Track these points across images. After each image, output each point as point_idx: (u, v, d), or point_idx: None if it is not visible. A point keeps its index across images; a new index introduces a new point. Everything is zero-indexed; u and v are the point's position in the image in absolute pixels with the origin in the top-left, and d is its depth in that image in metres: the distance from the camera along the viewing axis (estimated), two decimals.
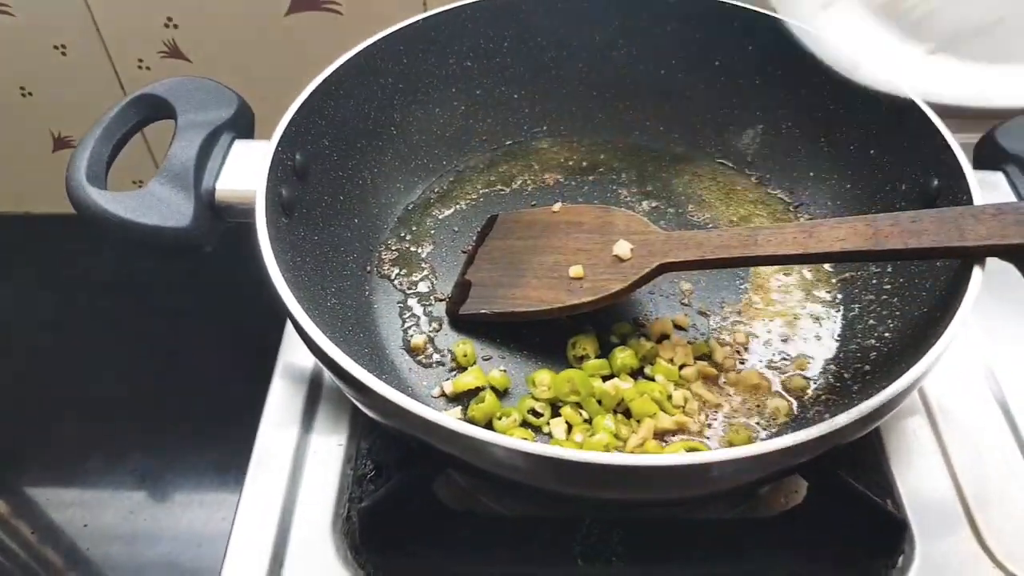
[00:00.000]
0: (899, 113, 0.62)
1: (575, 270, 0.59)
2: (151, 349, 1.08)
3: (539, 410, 0.57)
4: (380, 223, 0.71)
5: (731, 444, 0.56)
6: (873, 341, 0.59)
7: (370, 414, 0.50)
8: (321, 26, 0.90)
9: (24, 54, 0.96)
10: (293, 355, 0.65)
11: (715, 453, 0.41)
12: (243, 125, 0.61)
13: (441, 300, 0.66)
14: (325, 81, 0.62)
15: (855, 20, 0.58)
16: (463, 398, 0.59)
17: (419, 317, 0.65)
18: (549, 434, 0.56)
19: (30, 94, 1.01)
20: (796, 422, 0.57)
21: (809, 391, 0.59)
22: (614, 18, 0.74)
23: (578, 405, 0.57)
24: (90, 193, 0.54)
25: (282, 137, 0.58)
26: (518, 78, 0.76)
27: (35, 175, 1.11)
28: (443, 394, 0.59)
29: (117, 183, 0.56)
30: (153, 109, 0.60)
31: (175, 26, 0.91)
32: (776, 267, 0.66)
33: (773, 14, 0.69)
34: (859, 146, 0.67)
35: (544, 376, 0.58)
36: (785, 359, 0.61)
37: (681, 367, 0.60)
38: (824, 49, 0.60)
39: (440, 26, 0.71)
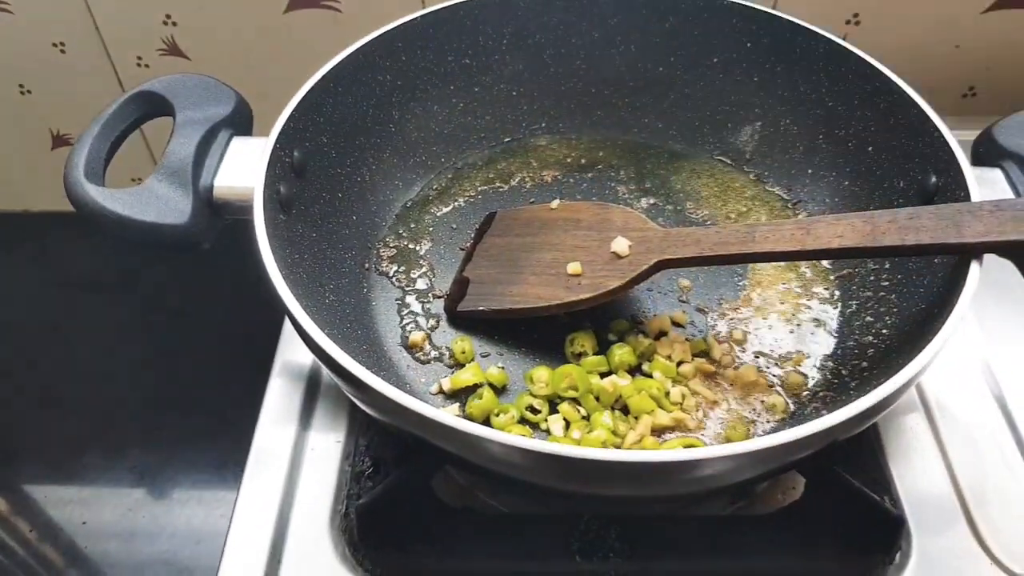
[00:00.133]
0: (897, 110, 0.62)
1: (573, 267, 0.59)
2: (150, 347, 1.08)
3: (537, 407, 0.57)
4: (378, 220, 0.71)
5: (728, 440, 0.56)
6: (871, 338, 0.59)
7: (368, 411, 0.50)
8: (320, 23, 0.90)
9: (23, 52, 0.96)
10: (291, 352, 0.65)
11: (712, 449, 0.41)
12: (241, 122, 0.61)
13: (439, 297, 0.66)
14: (323, 78, 0.62)
15: None
16: (461, 395, 0.59)
17: (417, 314, 0.65)
18: (547, 431, 0.57)
19: (29, 92, 1.01)
20: (793, 418, 0.57)
21: (806, 388, 0.59)
22: (613, 15, 0.74)
23: (576, 402, 0.57)
24: (88, 190, 0.54)
25: (280, 134, 0.58)
26: (516, 75, 0.76)
27: (34, 173, 1.11)
28: (441, 391, 0.59)
29: (117, 180, 0.56)
30: (151, 106, 0.60)
31: (174, 24, 0.91)
32: (774, 264, 0.66)
33: (772, 11, 0.69)
34: (857, 143, 0.67)
35: (542, 373, 0.58)
36: (783, 356, 0.61)
37: (679, 364, 0.60)
38: None
39: (438, 23, 0.71)
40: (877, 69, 0.63)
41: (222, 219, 0.58)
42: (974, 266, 0.49)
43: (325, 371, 0.61)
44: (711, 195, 0.73)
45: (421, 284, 0.67)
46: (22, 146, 1.08)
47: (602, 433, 0.55)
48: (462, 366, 0.60)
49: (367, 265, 0.67)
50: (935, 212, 0.51)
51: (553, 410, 0.58)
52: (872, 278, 0.63)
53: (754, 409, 0.58)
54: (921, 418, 0.61)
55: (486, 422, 0.57)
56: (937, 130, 0.58)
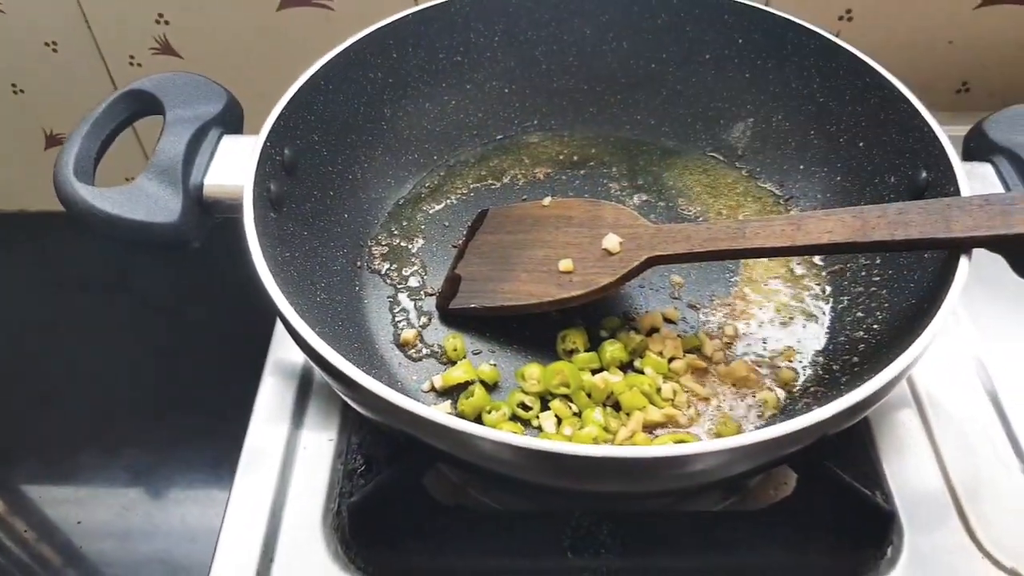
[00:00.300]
0: (888, 106, 0.62)
1: (565, 264, 0.59)
2: (144, 346, 1.08)
3: (529, 404, 0.57)
4: (370, 218, 0.70)
5: (720, 436, 0.55)
6: (862, 333, 0.59)
7: (359, 409, 0.50)
8: (312, 22, 0.89)
9: (15, 51, 0.95)
10: (283, 351, 0.65)
11: (703, 444, 0.41)
12: (232, 120, 0.60)
13: (431, 295, 0.66)
14: (314, 76, 0.62)
15: None
16: (453, 392, 0.59)
17: (409, 312, 0.64)
18: (539, 427, 0.57)
19: (21, 91, 1.01)
20: (785, 414, 0.57)
21: (798, 383, 0.59)
22: (604, 12, 0.74)
23: (567, 398, 0.58)
24: (77, 189, 0.54)
25: (271, 132, 0.58)
26: (508, 72, 0.76)
27: (27, 172, 1.11)
28: (433, 388, 0.59)
29: (108, 179, 0.56)
30: (141, 104, 0.60)
31: (166, 22, 0.91)
32: (766, 259, 0.66)
33: (763, 7, 0.69)
34: (848, 139, 0.67)
35: (534, 370, 0.58)
36: (774, 351, 0.61)
37: (670, 360, 0.60)
38: None
39: (430, 21, 0.71)
40: (868, 65, 0.63)
41: (212, 218, 0.58)
42: (963, 261, 0.49)
43: (317, 369, 0.61)
44: (703, 191, 0.73)
45: (413, 282, 0.67)
46: (16, 146, 1.08)
47: (593, 429, 0.55)
48: (454, 363, 0.60)
49: (359, 263, 0.67)
50: (924, 207, 0.51)
51: (545, 407, 0.58)
52: (863, 274, 0.63)
53: (746, 404, 0.58)
54: (913, 413, 0.61)
55: (478, 419, 0.57)
56: (927, 125, 0.58)
